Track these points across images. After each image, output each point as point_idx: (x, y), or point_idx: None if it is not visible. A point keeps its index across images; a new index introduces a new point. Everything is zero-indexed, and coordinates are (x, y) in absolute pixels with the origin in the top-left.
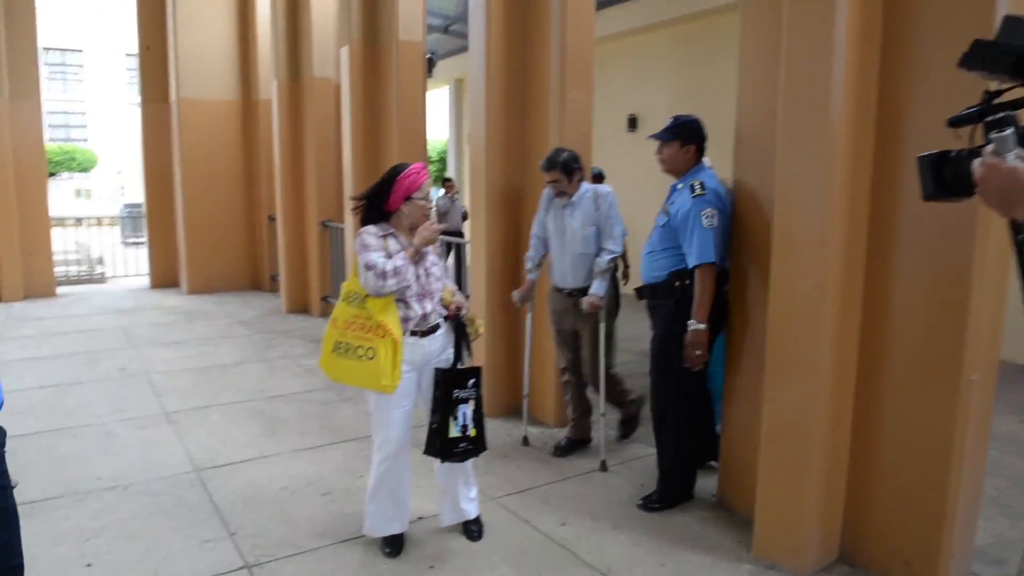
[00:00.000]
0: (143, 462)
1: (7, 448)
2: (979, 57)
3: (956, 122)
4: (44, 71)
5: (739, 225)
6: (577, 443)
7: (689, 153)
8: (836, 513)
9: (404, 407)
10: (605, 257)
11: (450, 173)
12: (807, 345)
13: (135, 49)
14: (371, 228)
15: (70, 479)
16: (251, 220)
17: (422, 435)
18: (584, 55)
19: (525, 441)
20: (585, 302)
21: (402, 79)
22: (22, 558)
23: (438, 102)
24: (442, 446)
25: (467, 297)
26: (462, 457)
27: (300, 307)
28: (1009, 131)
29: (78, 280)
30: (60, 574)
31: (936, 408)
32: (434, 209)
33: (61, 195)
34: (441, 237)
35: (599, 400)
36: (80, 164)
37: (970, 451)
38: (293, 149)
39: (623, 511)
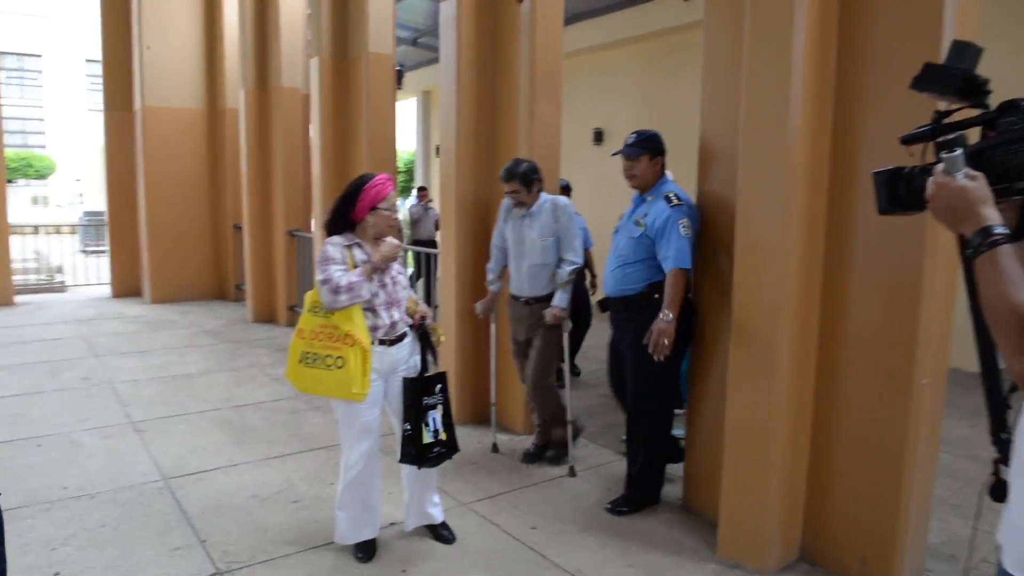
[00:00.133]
0: (110, 471)
1: None
2: (929, 79)
3: (909, 140)
4: (1, 76)
5: (704, 236)
6: (545, 448)
7: (657, 166)
8: (797, 514)
9: (372, 415)
10: (567, 268)
11: (416, 184)
12: (768, 354)
13: (96, 55)
14: (336, 239)
15: (35, 488)
16: (216, 229)
17: (390, 442)
18: (553, 69)
19: (495, 448)
20: (548, 313)
21: (372, 91)
22: (5, 563)
23: (406, 113)
24: (417, 452)
25: (435, 307)
26: (437, 461)
27: (266, 317)
28: (958, 152)
29: (37, 289)
30: None
31: (890, 412)
32: (405, 217)
33: (18, 202)
34: (412, 247)
35: (566, 397)
36: (38, 171)
37: (922, 453)
38: (260, 158)
39: (591, 515)
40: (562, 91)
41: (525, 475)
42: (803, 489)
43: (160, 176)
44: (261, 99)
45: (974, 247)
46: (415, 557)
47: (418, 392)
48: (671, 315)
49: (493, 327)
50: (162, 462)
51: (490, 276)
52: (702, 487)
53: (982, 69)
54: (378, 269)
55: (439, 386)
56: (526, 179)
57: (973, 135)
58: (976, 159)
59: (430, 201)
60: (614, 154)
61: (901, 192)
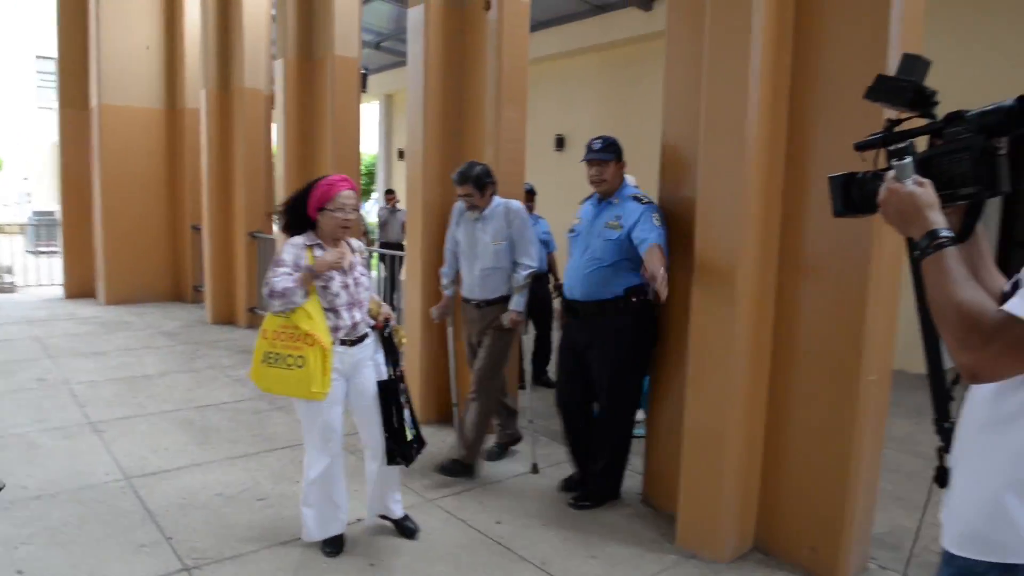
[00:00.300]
0: (70, 471)
1: None
2: (881, 90)
3: (862, 147)
4: None
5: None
6: (507, 446)
7: (621, 170)
8: (751, 507)
9: (333, 413)
10: (523, 272)
11: (378, 187)
12: (725, 355)
13: (46, 51)
14: (296, 240)
15: None
16: (174, 230)
17: (353, 441)
18: (519, 76)
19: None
20: (506, 317)
21: (337, 94)
22: None
23: (368, 117)
24: (404, 452)
25: (398, 310)
26: (416, 455)
27: (225, 318)
28: (908, 160)
29: None
30: None
31: (838, 410)
32: (366, 219)
33: None
34: (380, 249)
35: (526, 398)
36: None
37: (868, 448)
38: (221, 159)
39: (554, 509)
40: (527, 97)
41: (489, 472)
42: (757, 484)
43: (116, 175)
44: (223, 100)
45: (922, 249)
46: (383, 552)
47: (392, 393)
48: (663, 271)
49: (450, 330)
50: (123, 462)
51: (444, 280)
52: (661, 483)
53: (929, 81)
54: (315, 276)
55: (402, 385)
56: (480, 182)
57: (921, 143)
58: (924, 166)
59: (397, 202)
60: (584, 160)
61: (855, 196)
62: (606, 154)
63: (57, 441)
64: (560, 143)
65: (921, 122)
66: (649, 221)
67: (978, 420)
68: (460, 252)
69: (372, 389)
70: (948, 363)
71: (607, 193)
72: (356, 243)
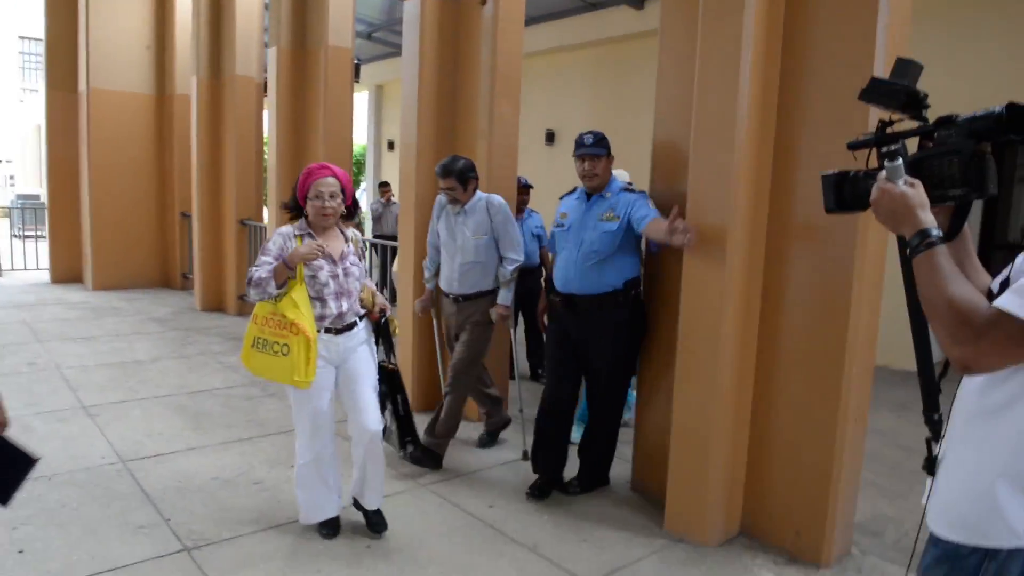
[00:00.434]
0: (65, 454)
1: None
2: (875, 92)
3: (855, 147)
4: None
5: None
6: (496, 433)
7: (610, 165)
8: (737, 494)
9: (323, 400)
10: (509, 267)
11: (366, 177)
12: (713, 348)
13: (30, 32)
14: (285, 228)
15: None
16: (163, 216)
17: (343, 428)
18: (513, 71)
19: None
20: (494, 312)
21: (330, 83)
22: None
23: (358, 107)
24: (413, 437)
25: (392, 300)
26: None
27: (215, 305)
28: (899, 161)
29: None
30: None
31: (822, 401)
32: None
33: None
34: (377, 240)
35: (516, 387)
36: None
37: (851, 437)
38: (212, 146)
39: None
40: (520, 91)
41: (481, 459)
42: (744, 471)
43: (105, 160)
44: (214, 87)
45: (913, 247)
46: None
47: (395, 383)
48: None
49: (436, 322)
50: (119, 445)
51: (426, 274)
52: (650, 471)
53: (921, 85)
54: (289, 267)
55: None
56: (463, 176)
57: (912, 144)
58: (915, 168)
59: (392, 196)
60: (575, 154)
61: (847, 194)
62: (598, 148)
63: (51, 425)
64: (550, 137)
65: (912, 125)
66: (646, 205)
67: (968, 410)
68: (441, 245)
69: (363, 376)
70: (937, 357)
71: (598, 187)
72: (351, 232)
